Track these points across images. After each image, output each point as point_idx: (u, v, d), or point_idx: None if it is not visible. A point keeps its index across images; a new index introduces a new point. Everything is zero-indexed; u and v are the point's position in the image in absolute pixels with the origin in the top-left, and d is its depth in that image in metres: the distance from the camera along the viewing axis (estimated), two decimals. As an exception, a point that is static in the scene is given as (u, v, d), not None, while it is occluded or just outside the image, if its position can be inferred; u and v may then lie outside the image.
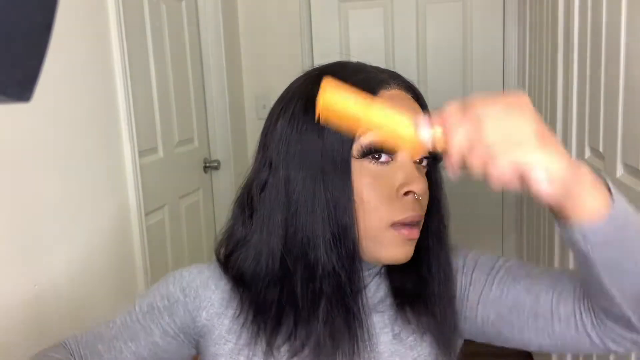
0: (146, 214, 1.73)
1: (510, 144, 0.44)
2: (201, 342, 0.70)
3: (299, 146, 0.61)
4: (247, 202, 0.67)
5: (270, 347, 0.64)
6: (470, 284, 0.67)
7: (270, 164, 0.64)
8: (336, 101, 0.45)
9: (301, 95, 0.64)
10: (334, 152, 0.60)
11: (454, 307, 0.67)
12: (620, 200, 0.50)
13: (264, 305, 0.64)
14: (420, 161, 0.64)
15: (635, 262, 0.51)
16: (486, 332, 0.67)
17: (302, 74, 0.68)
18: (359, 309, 0.63)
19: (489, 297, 0.65)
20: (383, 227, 0.61)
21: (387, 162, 0.61)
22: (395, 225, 0.61)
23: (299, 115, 0.62)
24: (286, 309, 0.63)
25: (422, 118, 0.47)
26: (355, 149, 0.60)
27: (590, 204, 0.48)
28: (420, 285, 0.66)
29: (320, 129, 0.60)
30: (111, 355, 0.71)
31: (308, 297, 0.62)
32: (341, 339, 0.62)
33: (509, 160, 0.44)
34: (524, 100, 0.46)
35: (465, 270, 0.68)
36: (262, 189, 0.64)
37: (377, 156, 0.61)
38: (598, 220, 0.49)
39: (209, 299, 0.69)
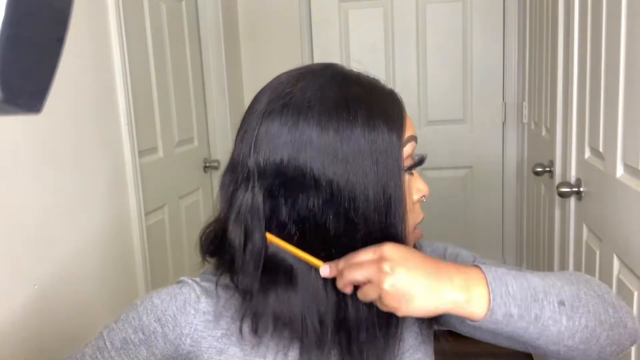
0: (146, 214, 1.73)
1: (399, 299, 0.55)
2: None
3: (349, 160, 0.59)
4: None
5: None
6: None
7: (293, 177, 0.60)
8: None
9: (338, 104, 0.60)
10: (390, 167, 0.61)
11: None
12: (499, 303, 0.56)
13: (286, 321, 0.62)
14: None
15: (529, 335, 0.58)
16: (453, 325, 0.73)
17: (293, 75, 0.64)
18: (397, 322, 0.65)
19: None
20: (410, 231, 0.65)
21: (413, 173, 0.66)
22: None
23: (345, 128, 0.59)
24: (312, 325, 0.61)
25: (325, 267, 0.60)
26: (407, 163, 0.63)
27: (472, 313, 0.56)
28: None
29: (371, 147, 0.59)
30: None
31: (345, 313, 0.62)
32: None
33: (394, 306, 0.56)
34: (416, 256, 0.58)
35: None
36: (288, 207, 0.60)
37: (412, 170, 0.65)
38: (483, 319, 0.56)
39: (191, 324, 0.65)
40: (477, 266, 0.58)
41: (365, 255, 0.57)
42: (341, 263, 0.58)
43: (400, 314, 0.56)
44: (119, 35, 1.55)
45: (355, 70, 0.66)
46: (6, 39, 0.25)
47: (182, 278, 0.68)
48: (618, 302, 0.62)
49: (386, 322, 0.63)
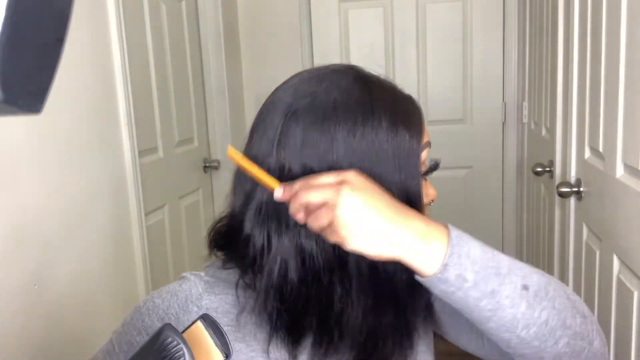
0: (146, 214, 1.73)
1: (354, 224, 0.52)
2: None
3: (374, 165, 0.59)
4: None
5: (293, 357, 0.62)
6: None
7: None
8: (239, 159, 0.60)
9: (363, 107, 0.60)
10: (411, 173, 0.61)
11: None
12: (455, 262, 0.53)
13: (300, 316, 0.61)
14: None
15: (479, 312, 0.54)
16: (441, 329, 0.74)
17: (313, 74, 0.64)
18: (414, 319, 0.64)
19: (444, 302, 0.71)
20: None
21: (426, 179, 0.66)
22: None
23: (370, 132, 0.59)
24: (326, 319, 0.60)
25: (279, 188, 0.57)
26: (422, 169, 0.63)
27: (424, 264, 0.53)
28: None
29: (394, 152, 0.60)
30: None
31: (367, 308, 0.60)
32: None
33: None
34: (362, 181, 0.54)
35: None
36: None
37: (427, 175, 0.65)
38: (434, 274, 0.53)
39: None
40: (444, 224, 0.56)
41: (326, 177, 0.55)
42: (297, 184, 0.56)
43: (347, 247, 0.52)
44: (119, 35, 1.55)
45: (374, 73, 0.66)
46: (6, 39, 0.25)
47: (184, 274, 0.68)
48: (590, 317, 0.59)
49: (408, 332, 0.62)
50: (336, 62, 0.66)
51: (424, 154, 0.64)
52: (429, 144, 0.65)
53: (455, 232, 0.54)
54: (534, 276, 0.56)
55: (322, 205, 0.53)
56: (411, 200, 0.61)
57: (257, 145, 0.62)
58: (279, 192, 0.56)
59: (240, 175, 0.64)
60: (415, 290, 0.61)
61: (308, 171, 0.58)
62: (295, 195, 0.55)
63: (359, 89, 0.61)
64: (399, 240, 0.52)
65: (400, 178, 0.60)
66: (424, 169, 0.65)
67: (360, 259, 0.58)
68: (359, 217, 0.52)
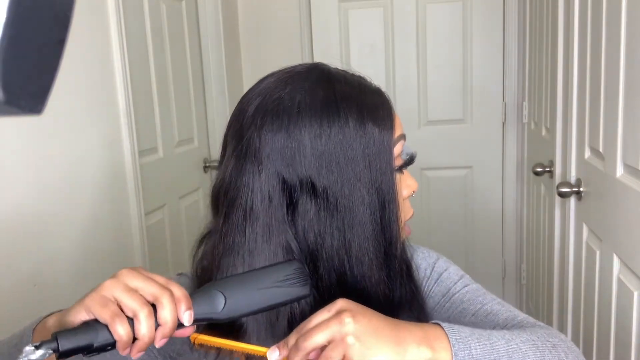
0: (146, 214, 1.73)
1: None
2: None
3: (343, 166, 0.59)
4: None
5: None
6: (428, 296, 0.72)
7: (285, 180, 0.59)
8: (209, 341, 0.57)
9: (328, 108, 0.59)
10: (383, 169, 0.61)
11: (416, 279, 0.70)
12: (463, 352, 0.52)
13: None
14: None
15: None
16: None
17: (282, 78, 0.63)
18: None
19: (438, 315, 0.71)
20: (401, 227, 0.65)
21: (403, 172, 0.65)
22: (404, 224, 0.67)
23: (337, 133, 0.58)
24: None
25: (273, 348, 0.54)
26: (397, 163, 0.63)
27: None
28: None
29: (364, 150, 0.59)
30: None
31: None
32: None
33: None
34: (349, 308, 0.53)
35: (429, 281, 0.73)
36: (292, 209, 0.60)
37: (402, 169, 0.64)
38: None
39: None
40: (438, 324, 0.55)
41: (320, 316, 0.53)
42: (292, 338, 0.53)
43: None
44: (119, 35, 1.55)
45: (340, 69, 0.65)
46: (7, 40, 0.25)
47: (182, 272, 0.70)
48: None
49: None
50: (321, 62, 0.66)
51: (397, 148, 0.63)
52: (403, 137, 0.64)
53: (453, 335, 0.53)
54: (530, 354, 0.56)
55: (328, 342, 0.51)
56: (384, 197, 0.60)
57: (231, 162, 0.61)
58: (274, 354, 0.54)
59: (217, 195, 0.65)
60: (386, 307, 0.60)
61: (280, 180, 0.58)
62: (295, 348, 0.52)
63: (323, 89, 0.60)
64: (411, 351, 0.51)
65: (372, 177, 0.60)
66: (399, 162, 0.64)
67: (330, 268, 0.60)
68: (370, 340, 0.51)
